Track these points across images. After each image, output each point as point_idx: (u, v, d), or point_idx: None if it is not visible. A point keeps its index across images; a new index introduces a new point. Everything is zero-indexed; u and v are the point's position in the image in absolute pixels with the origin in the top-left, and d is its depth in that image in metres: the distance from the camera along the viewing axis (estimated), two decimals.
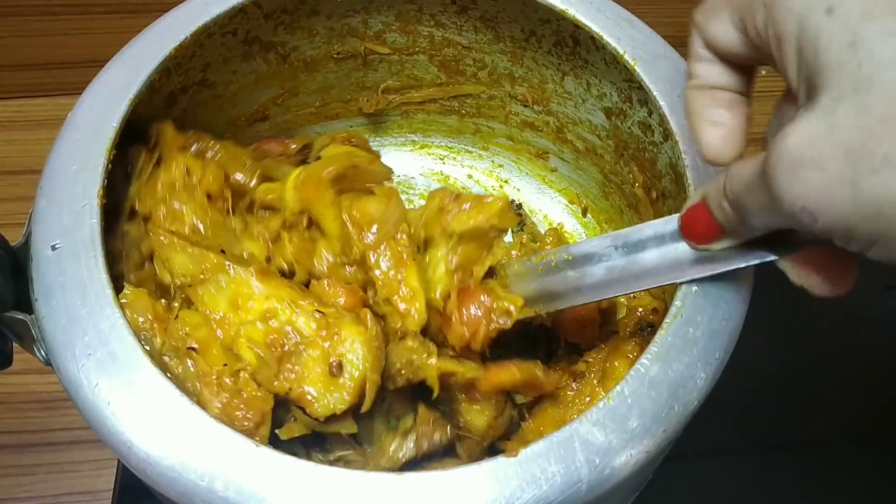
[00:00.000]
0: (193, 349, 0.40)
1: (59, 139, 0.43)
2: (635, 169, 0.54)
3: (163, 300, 0.43)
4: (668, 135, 0.47)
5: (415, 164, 0.66)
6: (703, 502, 0.64)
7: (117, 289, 0.39)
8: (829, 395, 0.68)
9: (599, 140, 0.57)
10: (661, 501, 0.59)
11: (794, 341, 0.70)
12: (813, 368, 0.69)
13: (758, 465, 0.65)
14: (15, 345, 0.43)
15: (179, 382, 0.39)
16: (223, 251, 0.44)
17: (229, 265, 0.43)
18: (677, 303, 0.39)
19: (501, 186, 0.65)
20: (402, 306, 0.44)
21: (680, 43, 0.48)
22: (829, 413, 0.67)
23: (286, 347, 0.41)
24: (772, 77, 0.95)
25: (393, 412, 0.45)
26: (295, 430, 0.42)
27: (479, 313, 0.44)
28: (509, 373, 0.44)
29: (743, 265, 0.37)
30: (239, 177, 0.47)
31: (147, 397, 0.36)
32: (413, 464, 0.45)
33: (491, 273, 0.46)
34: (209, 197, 0.45)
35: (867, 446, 0.66)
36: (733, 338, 0.39)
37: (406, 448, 0.44)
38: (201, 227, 0.45)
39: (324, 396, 0.40)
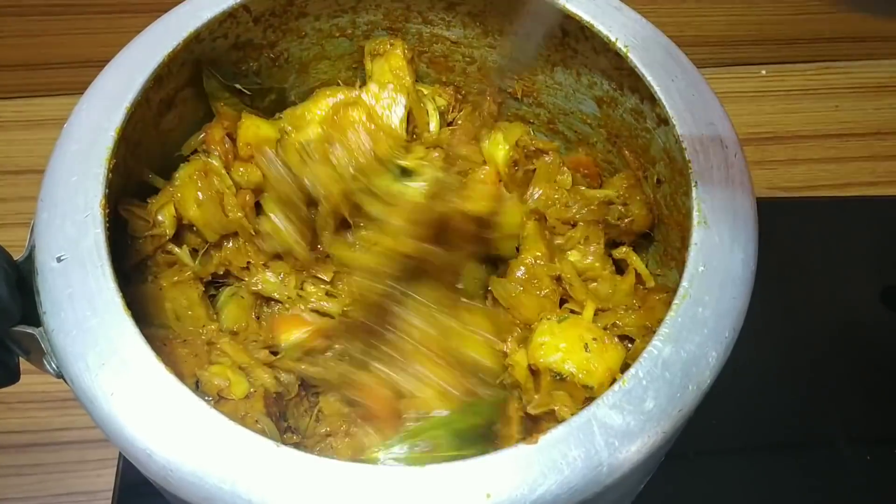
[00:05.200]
0: None
1: (56, 150, 0.43)
2: (628, 156, 0.54)
3: None
4: (661, 120, 0.47)
5: None
6: (703, 502, 0.64)
7: (125, 296, 0.39)
8: (829, 395, 0.69)
9: (591, 129, 0.57)
10: (661, 501, 0.60)
11: (794, 341, 0.71)
12: (813, 368, 0.70)
13: (758, 465, 0.65)
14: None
15: None
16: None
17: None
18: (685, 284, 0.39)
19: None
20: None
21: (680, 43, 0.49)
22: (829, 413, 0.68)
23: None
24: (772, 76, 0.96)
25: None
26: None
27: None
28: None
29: None
30: None
31: (164, 403, 0.36)
32: None
33: None
34: None
35: (867, 446, 0.67)
36: (741, 316, 0.39)
37: None
38: None
39: None
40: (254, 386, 0.48)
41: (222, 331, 0.51)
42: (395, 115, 0.53)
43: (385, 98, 0.53)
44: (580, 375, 0.44)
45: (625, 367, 0.45)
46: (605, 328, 0.48)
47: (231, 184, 0.52)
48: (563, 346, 0.45)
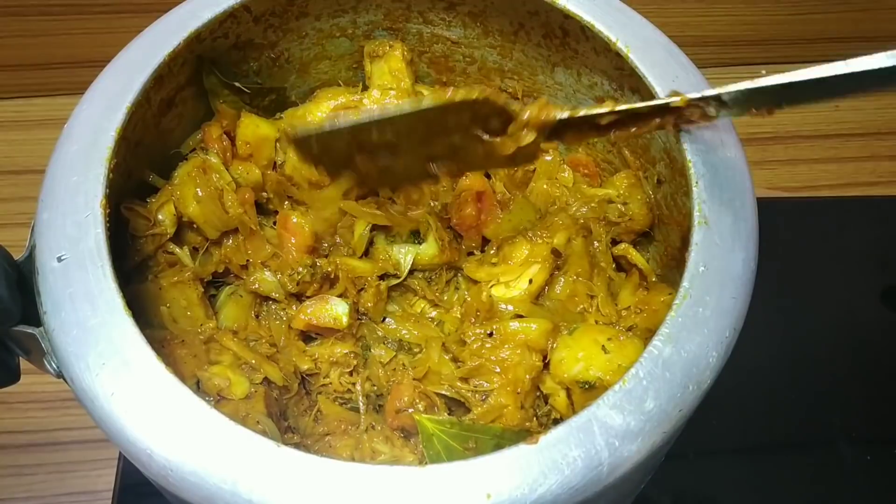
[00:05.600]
0: None
1: (57, 151, 0.43)
2: (629, 156, 0.54)
3: None
4: None
5: None
6: (703, 502, 0.64)
7: (125, 296, 0.39)
8: (829, 395, 0.69)
9: None
10: (661, 501, 0.60)
11: (794, 341, 0.71)
12: (813, 368, 0.70)
13: (758, 465, 0.65)
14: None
15: None
16: None
17: None
18: (685, 284, 0.39)
19: None
20: None
21: (680, 43, 0.49)
22: (829, 413, 0.68)
23: None
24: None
25: None
26: None
27: None
28: None
29: None
30: None
31: (164, 404, 0.36)
32: None
33: None
34: None
35: (867, 446, 0.67)
36: (741, 316, 0.40)
37: None
38: None
39: None
40: (255, 385, 0.48)
41: (221, 329, 0.51)
42: None
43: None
44: (607, 378, 0.43)
45: None
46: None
47: (230, 180, 0.52)
48: (581, 354, 0.44)
